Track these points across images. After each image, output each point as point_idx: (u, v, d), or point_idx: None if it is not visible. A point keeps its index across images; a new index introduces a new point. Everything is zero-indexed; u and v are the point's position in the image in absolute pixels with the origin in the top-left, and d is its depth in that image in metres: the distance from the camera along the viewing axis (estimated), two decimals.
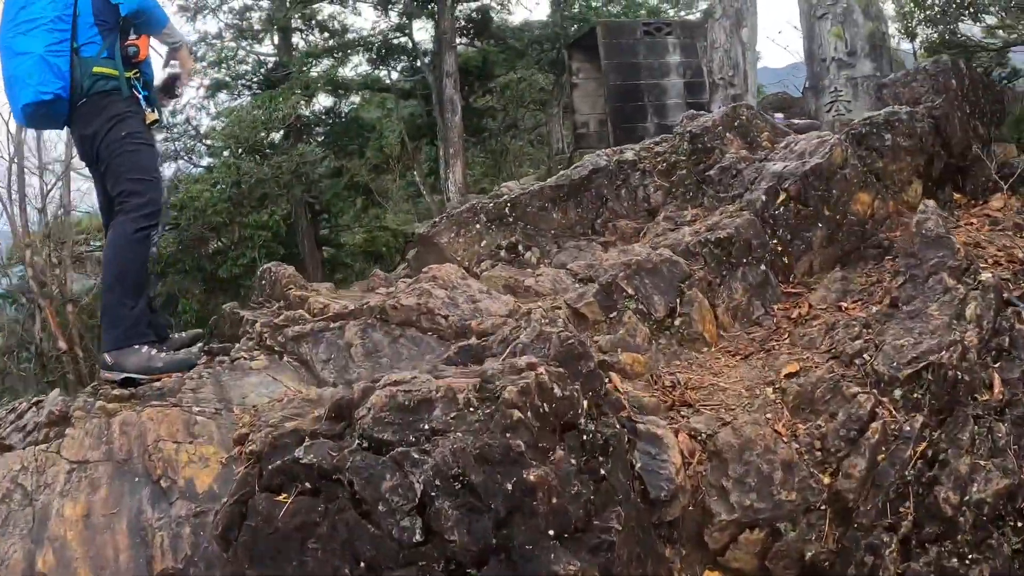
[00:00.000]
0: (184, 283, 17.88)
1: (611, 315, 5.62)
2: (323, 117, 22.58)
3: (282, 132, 19.74)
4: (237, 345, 5.92)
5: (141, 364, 5.04)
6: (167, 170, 20.00)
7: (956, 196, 7.97)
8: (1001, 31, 9.54)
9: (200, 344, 6.02)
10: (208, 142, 21.40)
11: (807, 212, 6.62)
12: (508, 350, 4.26)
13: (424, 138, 22.24)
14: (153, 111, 5.53)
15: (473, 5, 21.46)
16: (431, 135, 21.02)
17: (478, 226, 7.67)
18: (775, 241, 6.57)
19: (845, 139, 7.32)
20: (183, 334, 6.36)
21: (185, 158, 21.51)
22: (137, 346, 5.09)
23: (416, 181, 21.59)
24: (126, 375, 4.99)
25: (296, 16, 21.36)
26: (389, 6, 21.18)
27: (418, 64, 20.99)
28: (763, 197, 6.66)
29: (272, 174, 17.33)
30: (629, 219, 7.61)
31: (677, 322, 5.74)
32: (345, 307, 5.92)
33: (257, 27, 22.02)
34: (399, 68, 22.45)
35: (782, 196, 6.61)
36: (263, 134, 18.67)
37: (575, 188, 7.64)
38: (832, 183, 6.73)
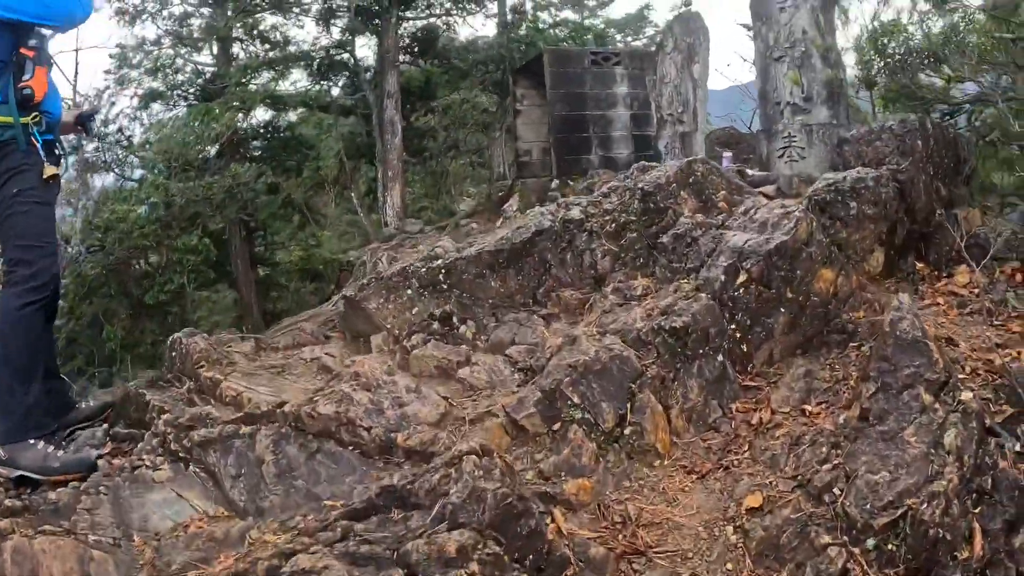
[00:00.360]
0: (109, 307, 16.93)
1: (554, 427, 5.05)
2: (261, 131, 21.63)
3: (217, 148, 18.83)
4: (141, 444, 5.30)
5: (37, 462, 4.46)
6: (98, 180, 19.06)
7: (919, 265, 7.53)
8: (960, 83, 9.10)
9: (104, 428, 5.50)
10: (141, 154, 20.41)
11: (769, 295, 6.11)
12: (437, 508, 3.65)
13: (363, 158, 21.47)
14: (54, 164, 4.82)
15: (419, 23, 20.79)
16: (370, 155, 20.25)
17: (410, 292, 7.08)
18: (734, 327, 6.05)
19: (809, 208, 6.83)
20: (90, 403, 5.76)
21: (116, 171, 20.50)
22: (32, 440, 4.52)
23: (354, 202, 20.83)
24: (20, 473, 4.42)
25: (238, 26, 20.41)
26: (331, 21, 20.37)
27: (359, 81, 20.17)
28: (722, 277, 6.13)
29: (203, 195, 16.47)
30: (574, 288, 7.04)
31: (627, 431, 5.18)
32: (257, 407, 5.30)
33: (197, 35, 21.01)
34: (340, 84, 21.64)
35: (743, 277, 6.09)
36: (197, 148, 17.78)
37: (516, 253, 7.03)
38: (796, 263, 6.23)
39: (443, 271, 7.05)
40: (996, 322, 6.39)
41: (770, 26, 10.18)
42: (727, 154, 12.15)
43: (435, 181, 22.66)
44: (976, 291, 6.89)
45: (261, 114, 21.71)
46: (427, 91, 20.28)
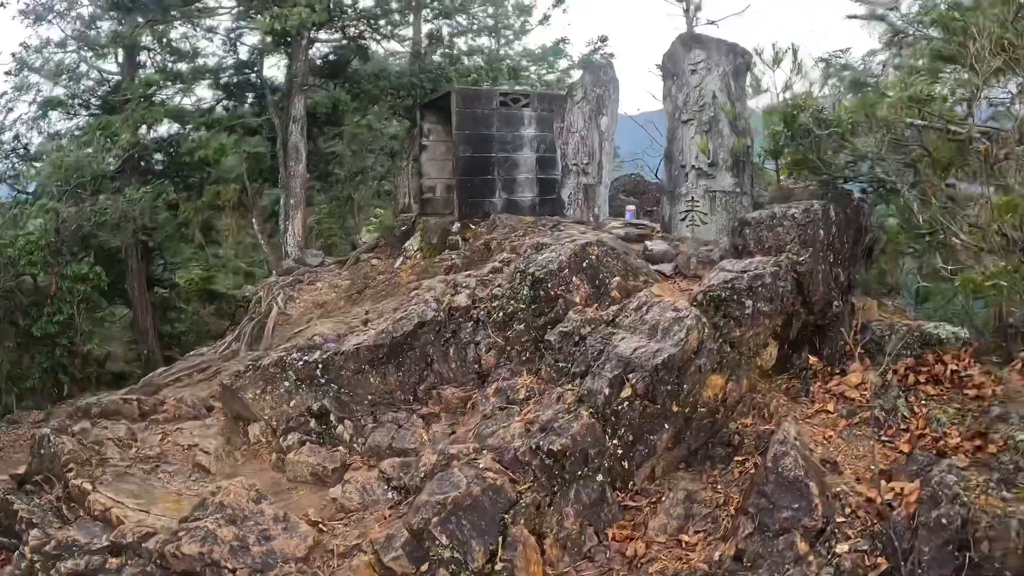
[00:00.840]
0: None
1: (422, 568, 4.71)
2: (164, 144, 20.60)
3: (115, 165, 17.99)
4: (10, 568, 5.11)
5: None
6: None
7: (812, 359, 7.35)
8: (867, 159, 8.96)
9: None
10: (37, 165, 19.44)
11: (654, 410, 5.89)
12: None
13: (267, 181, 20.70)
14: None
15: (332, 45, 20.12)
16: (274, 178, 19.52)
17: (287, 384, 6.74)
18: (616, 442, 5.81)
19: (704, 304, 6.57)
20: None
21: (9, 183, 19.50)
22: None
23: (255, 226, 20.15)
24: None
25: (146, 34, 19.35)
26: (239, 42, 19.64)
27: (267, 103, 19.41)
28: (606, 390, 5.87)
29: (96, 219, 15.70)
30: (457, 384, 6.72)
31: (498, 567, 4.90)
32: (123, 536, 4.93)
33: (103, 40, 19.91)
34: (248, 103, 20.76)
35: (627, 391, 5.85)
36: (94, 167, 16.95)
37: (397, 348, 6.70)
38: (684, 376, 6.02)
39: (320, 366, 6.69)
40: (885, 437, 6.22)
41: (680, 87, 9.98)
42: (630, 207, 11.94)
43: (341, 206, 22.02)
44: (867, 394, 6.71)
45: (165, 126, 20.82)
46: (334, 116, 19.66)
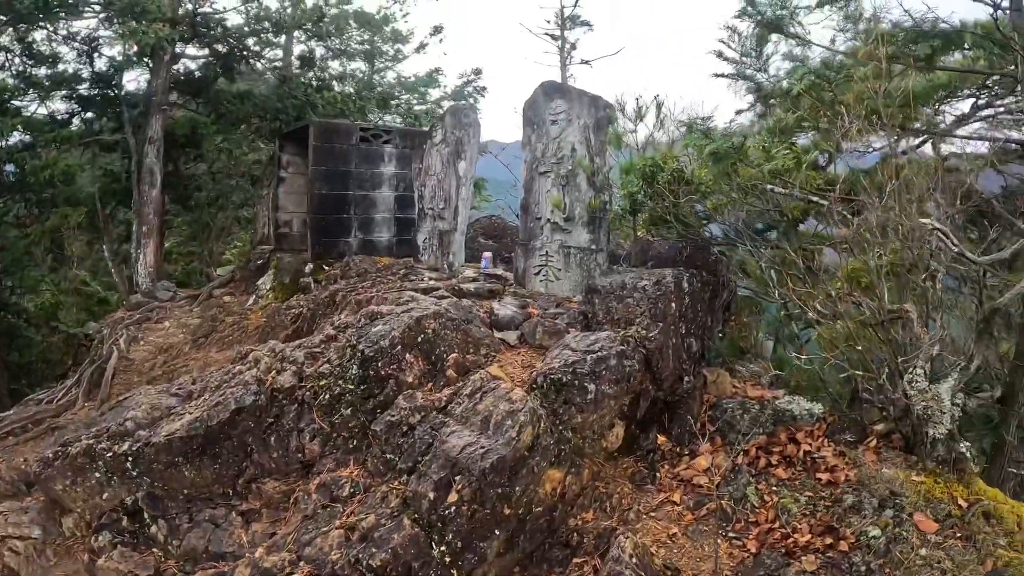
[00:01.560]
0: None
1: None
2: (15, 155, 18.83)
3: None
4: None
5: None
6: None
7: (660, 439, 6.92)
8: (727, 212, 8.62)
9: None
10: None
11: (484, 515, 5.36)
12: None
13: (121, 204, 19.29)
14: None
15: (200, 62, 18.92)
16: (129, 200, 18.18)
17: (98, 475, 5.94)
18: (443, 549, 5.20)
19: (543, 388, 6.05)
20: None
21: None
22: None
23: (106, 253, 18.85)
24: None
25: (6, 34, 17.67)
26: (98, 52, 18.23)
27: (124, 120, 18.04)
28: (431, 494, 5.31)
29: None
30: (279, 476, 6.05)
31: None
32: None
33: None
34: (105, 118, 19.23)
35: (455, 496, 5.25)
36: None
37: (212, 437, 5.98)
38: (517, 477, 5.50)
39: (131, 458, 5.91)
40: (732, 533, 5.80)
41: (540, 136, 9.51)
42: (487, 254, 11.38)
43: (200, 232, 20.83)
44: (716, 479, 6.29)
45: (17, 136, 19.09)
46: (193, 139, 18.50)
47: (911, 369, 6.47)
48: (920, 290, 6.86)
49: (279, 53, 21.62)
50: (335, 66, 22.47)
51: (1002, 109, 9.70)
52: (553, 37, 23.71)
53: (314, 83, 19.24)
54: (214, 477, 5.94)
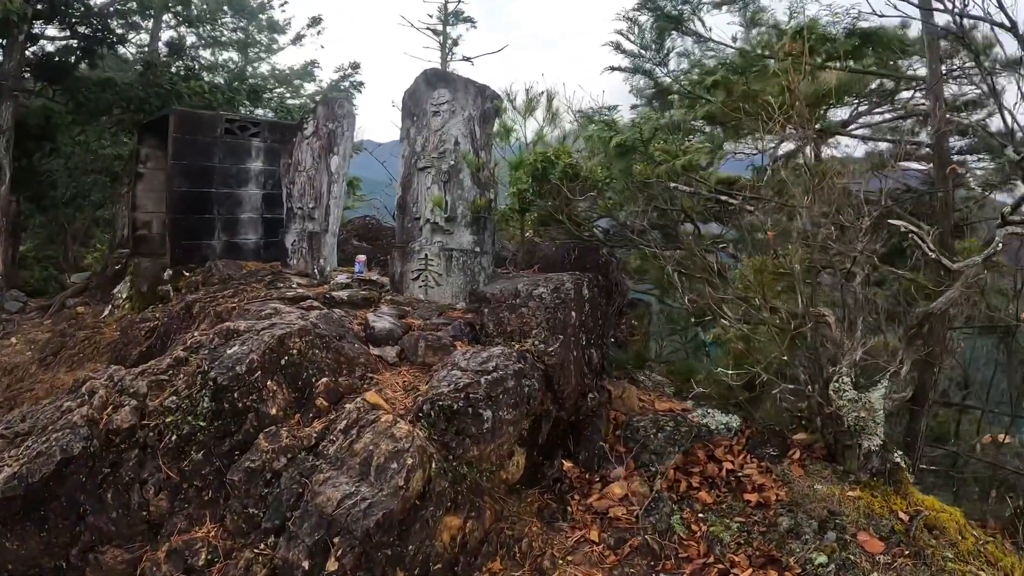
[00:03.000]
0: None
1: None
2: None
3: None
4: None
5: None
6: None
7: (567, 465, 5.93)
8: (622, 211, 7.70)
9: None
10: None
11: None
12: None
13: None
14: None
15: (59, 45, 17.00)
16: None
17: None
18: None
19: (430, 425, 5.05)
20: None
21: None
22: None
23: None
24: None
25: None
26: None
27: None
28: (305, 563, 4.13)
29: None
30: (120, 542, 4.79)
31: None
32: None
33: None
34: None
35: (334, 564, 4.09)
36: None
37: (36, 497, 4.68)
38: (409, 533, 4.38)
39: None
40: (663, 572, 4.83)
41: (420, 129, 8.38)
42: (360, 258, 10.19)
43: (56, 234, 18.76)
44: (635, 509, 5.34)
45: None
46: (48, 130, 16.60)
47: (837, 377, 5.77)
48: (836, 294, 6.18)
49: (147, 39, 19.79)
50: (206, 55, 20.79)
51: (880, 117, 9.32)
52: (435, 32, 22.51)
53: (181, 72, 17.57)
54: (42, 547, 4.61)
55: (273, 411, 5.24)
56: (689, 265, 7.33)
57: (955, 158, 8.70)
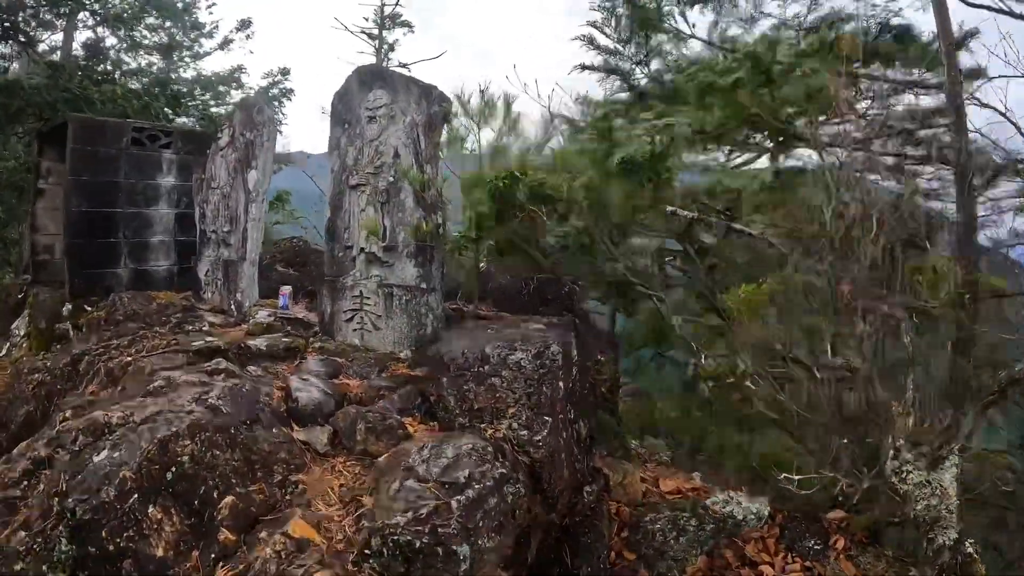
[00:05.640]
0: None
1: None
2: None
3: None
4: None
5: None
6: None
7: None
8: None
9: None
10: None
11: None
12: None
13: None
14: None
15: None
16: None
17: None
18: None
19: (381, 568, 3.20)
20: None
21: None
22: None
23: None
24: None
25: None
26: None
27: None
28: None
29: None
30: None
31: None
32: None
33: None
34: None
35: None
36: None
37: None
38: None
39: None
40: None
41: (352, 138, 6.54)
42: (285, 291, 8.24)
43: None
44: None
45: None
46: None
47: (895, 454, 4.25)
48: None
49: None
50: (127, 59, 18.36)
51: None
52: (371, 36, 20.38)
53: (93, 75, 15.26)
54: None
55: (159, 551, 3.35)
56: (687, 305, 5.71)
57: None
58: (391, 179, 6.23)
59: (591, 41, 7.27)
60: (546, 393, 4.33)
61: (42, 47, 16.56)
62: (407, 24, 20.91)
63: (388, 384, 5.25)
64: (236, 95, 20.02)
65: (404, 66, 20.76)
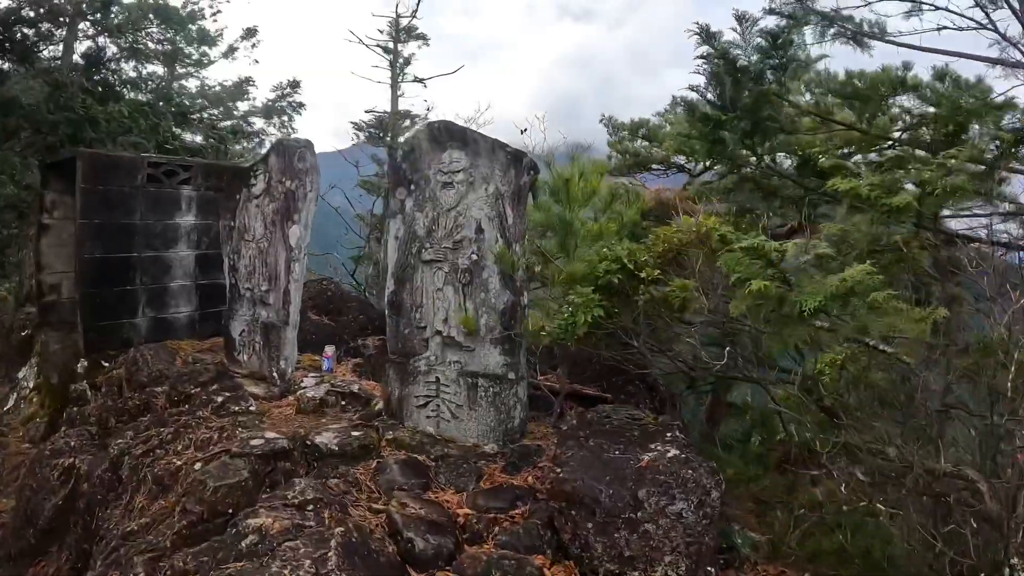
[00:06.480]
0: None
1: None
2: None
3: None
4: None
5: None
6: None
7: None
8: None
9: None
10: None
11: None
12: None
13: None
14: None
15: None
16: None
17: None
18: None
19: None
20: None
21: None
22: None
23: None
24: None
25: None
26: None
27: None
28: None
29: None
30: None
31: None
32: None
33: None
34: None
35: None
36: None
37: None
38: None
39: None
40: None
41: (422, 204, 5.72)
42: (328, 353, 7.41)
43: None
44: None
45: None
46: None
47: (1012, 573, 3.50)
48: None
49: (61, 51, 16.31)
50: (128, 69, 17.29)
51: None
52: (386, 50, 19.43)
53: (97, 91, 14.23)
54: None
55: None
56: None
57: None
58: (474, 256, 5.43)
59: (692, 111, 6.37)
60: (707, 543, 3.59)
61: (41, 58, 15.45)
62: (423, 37, 20.03)
63: (498, 504, 4.47)
64: (243, 107, 19.06)
65: (420, 80, 19.89)
